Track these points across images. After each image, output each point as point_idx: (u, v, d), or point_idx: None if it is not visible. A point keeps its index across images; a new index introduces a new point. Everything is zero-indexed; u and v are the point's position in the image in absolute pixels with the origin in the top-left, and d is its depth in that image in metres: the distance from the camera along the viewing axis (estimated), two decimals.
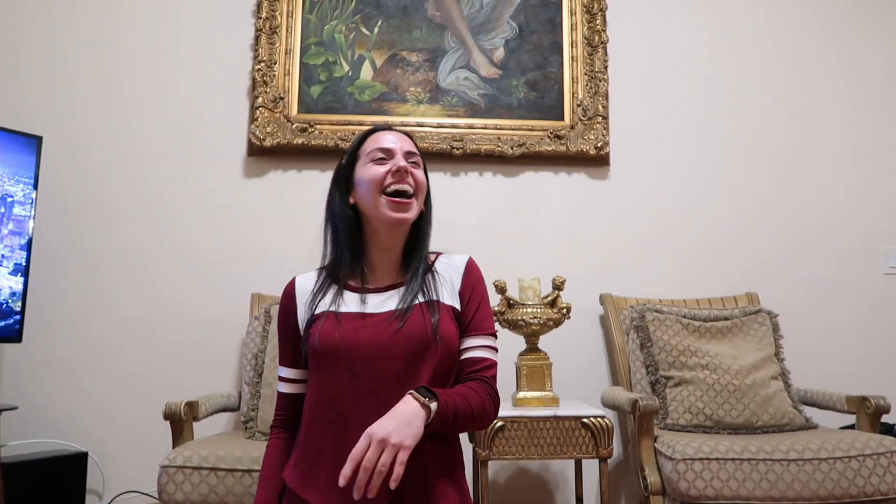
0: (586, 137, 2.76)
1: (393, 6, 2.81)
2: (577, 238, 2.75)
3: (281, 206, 2.69)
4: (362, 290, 1.31)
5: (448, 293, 1.32)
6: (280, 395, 1.35)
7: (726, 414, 2.19)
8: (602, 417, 2.01)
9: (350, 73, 2.76)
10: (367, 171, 1.32)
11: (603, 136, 2.75)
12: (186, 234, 2.65)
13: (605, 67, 2.80)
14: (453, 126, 2.73)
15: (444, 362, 1.25)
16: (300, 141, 2.67)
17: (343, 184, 1.36)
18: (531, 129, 2.75)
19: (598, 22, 2.82)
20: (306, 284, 1.35)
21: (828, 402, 2.29)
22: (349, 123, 2.71)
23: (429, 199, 1.40)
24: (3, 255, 2.30)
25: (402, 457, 1.06)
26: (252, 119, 2.69)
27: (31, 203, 2.40)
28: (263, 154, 2.70)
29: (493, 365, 1.31)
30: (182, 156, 2.70)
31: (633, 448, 2.32)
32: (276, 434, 1.34)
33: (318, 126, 2.69)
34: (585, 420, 2.01)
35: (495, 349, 1.32)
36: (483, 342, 1.31)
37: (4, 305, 2.29)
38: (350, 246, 1.33)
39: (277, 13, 2.75)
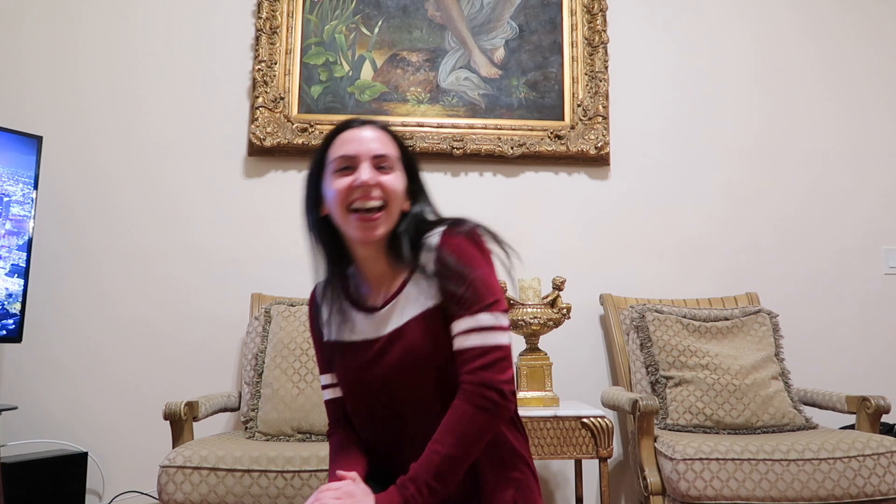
0: (586, 137, 2.76)
1: (393, 6, 2.81)
2: (577, 238, 2.75)
3: (281, 206, 2.69)
4: (365, 309, 1.22)
5: (429, 290, 1.16)
6: (326, 402, 1.32)
7: (726, 414, 2.19)
8: (602, 417, 2.01)
9: (350, 73, 2.76)
10: (331, 184, 1.18)
11: (603, 136, 2.75)
12: (186, 233, 2.65)
13: (606, 67, 2.80)
14: (453, 126, 2.73)
15: (451, 367, 1.15)
16: (300, 141, 2.67)
17: (313, 193, 1.23)
18: (531, 129, 2.75)
19: (598, 22, 2.82)
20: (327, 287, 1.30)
21: (828, 402, 2.29)
22: None
23: (420, 194, 1.24)
24: None
25: None
26: (252, 119, 2.69)
27: (31, 203, 2.40)
28: (263, 154, 2.70)
29: (487, 351, 1.10)
30: (182, 155, 2.70)
31: (633, 448, 2.32)
32: (334, 433, 1.30)
33: (318, 126, 2.69)
34: (585, 420, 2.01)
35: (492, 328, 1.11)
36: (469, 324, 1.11)
37: (0, 307, 2.28)
38: (333, 259, 1.24)
39: (278, 13, 2.75)
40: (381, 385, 1.17)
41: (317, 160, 1.23)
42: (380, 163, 1.18)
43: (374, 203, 1.16)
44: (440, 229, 1.18)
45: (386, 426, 1.20)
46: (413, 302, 1.16)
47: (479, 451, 1.11)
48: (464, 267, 1.12)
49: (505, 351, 1.11)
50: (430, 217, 1.23)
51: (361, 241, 1.17)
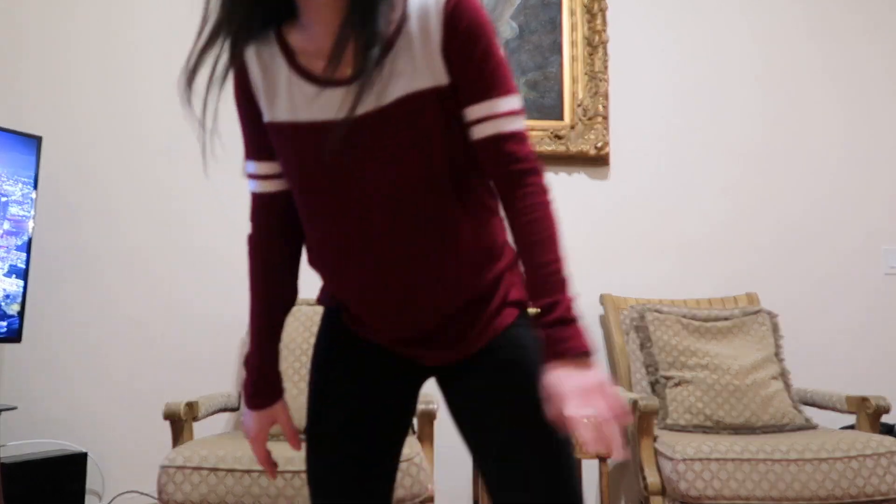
0: (586, 137, 2.76)
1: None
2: (577, 238, 2.75)
3: None
4: (322, 80, 0.90)
5: (425, 66, 0.87)
6: (254, 195, 1.09)
7: (726, 414, 2.19)
8: None
9: None
10: None
11: (603, 136, 2.75)
12: (186, 233, 2.65)
13: (605, 67, 2.80)
14: None
15: (451, 160, 0.92)
16: None
17: None
18: (531, 129, 2.75)
19: (598, 22, 2.82)
20: (262, 51, 0.95)
21: (828, 402, 2.29)
22: None
23: None
24: None
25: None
26: None
27: (31, 203, 2.40)
28: None
29: (518, 138, 0.90)
30: (182, 155, 2.70)
31: (633, 448, 2.32)
32: (252, 246, 1.12)
33: None
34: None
35: (518, 112, 0.91)
36: (496, 109, 0.89)
37: None
38: (265, 10, 0.91)
39: None
40: (349, 179, 0.92)
41: None
42: None
43: None
44: None
45: (348, 227, 0.95)
46: (398, 77, 0.87)
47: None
48: (486, 44, 0.88)
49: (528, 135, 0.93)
50: None
51: None
